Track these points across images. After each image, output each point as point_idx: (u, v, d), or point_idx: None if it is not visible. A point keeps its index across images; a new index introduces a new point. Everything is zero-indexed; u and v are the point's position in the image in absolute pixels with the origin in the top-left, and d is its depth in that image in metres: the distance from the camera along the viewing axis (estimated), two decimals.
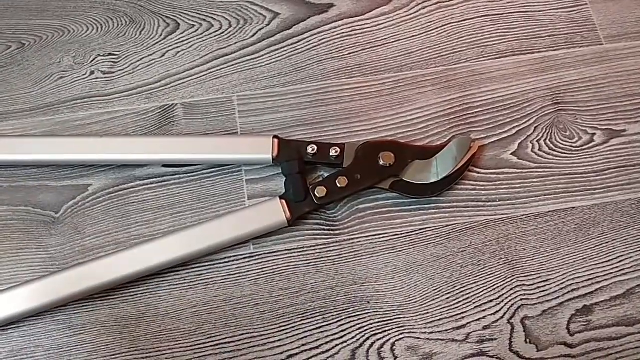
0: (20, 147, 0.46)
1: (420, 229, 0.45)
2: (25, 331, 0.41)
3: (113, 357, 0.41)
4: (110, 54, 0.51)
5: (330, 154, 0.45)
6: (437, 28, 0.53)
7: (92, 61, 0.51)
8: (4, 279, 0.43)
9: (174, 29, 0.53)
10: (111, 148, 0.46)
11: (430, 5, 0.55)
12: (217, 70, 0.51)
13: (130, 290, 0.43)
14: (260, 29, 0.53)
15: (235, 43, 0.52)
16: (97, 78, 0.50)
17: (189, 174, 0.47)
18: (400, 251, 0.44)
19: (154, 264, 0.42)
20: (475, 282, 0.43)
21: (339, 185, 0.44)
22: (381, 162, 0.45)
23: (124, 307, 0.42)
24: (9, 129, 0.48)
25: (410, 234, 0.45)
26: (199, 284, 0.43)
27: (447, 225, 0.45)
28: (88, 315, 0.42)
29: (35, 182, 0.46)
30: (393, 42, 0.53)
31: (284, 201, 0.44)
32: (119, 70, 0.51)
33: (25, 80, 0.50)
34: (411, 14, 0.54)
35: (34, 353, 0.41)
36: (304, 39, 0.52)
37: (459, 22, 0.54)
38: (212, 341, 0.41)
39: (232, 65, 0.51)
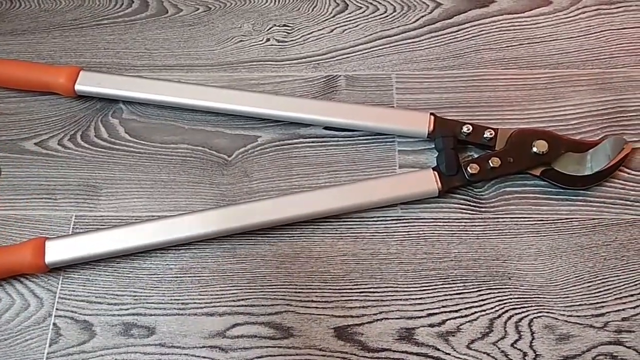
0: (203, 95, 0.52)
1: (567, 219, 0.46)
2: (194, 253, 0.47)
3: (269, 287, 0.45)
4: (285, 25, 0.57)
5: (484, 135, 0.48)
6: (596, 33, 0.55)
7: (268, 30, 0.57)
8: (181, 206, 0.49)
9: (343, 8, 0.58)
10: (281, 106, 0.51)
11: (591, 11, 0.56)
12: (379, 49, 0.55)
13: (288, 232, 0.47)
14: (423, 16, 0.56)
15: (398, 27, 0.56)
16: (272, 45, 0.56)
17: (346, 138, 0.51)
18: (544, 236, 0.46)
19: (310, 211, 0.47)
20: (617, 276, 0.44)
21: (491, 165, 0.47)
22: (534, 150, 0.47)
23: (281, 246, 0.47)
24: (192, 80, 0.55)
25: (556, 221, 0.46)
26: (349, 236, 0.47)
27: (593, 219, 0.46)
28: (250, 247, 0.47)
29: (213, 128, 0.52)
30: (551, 40, 0.54)
31: (436, 173, 0.47)
32: (292, 40, 0.56)
33: (210, 39, 0.57)
34: (570, 17, 0.56)
35: (201, 273, 0.46)
36: (464, 28, 0.56)
37: (618, 29, 0.55)
38: (358, 288, 0.45)
39: (394, 45, 0.55)
